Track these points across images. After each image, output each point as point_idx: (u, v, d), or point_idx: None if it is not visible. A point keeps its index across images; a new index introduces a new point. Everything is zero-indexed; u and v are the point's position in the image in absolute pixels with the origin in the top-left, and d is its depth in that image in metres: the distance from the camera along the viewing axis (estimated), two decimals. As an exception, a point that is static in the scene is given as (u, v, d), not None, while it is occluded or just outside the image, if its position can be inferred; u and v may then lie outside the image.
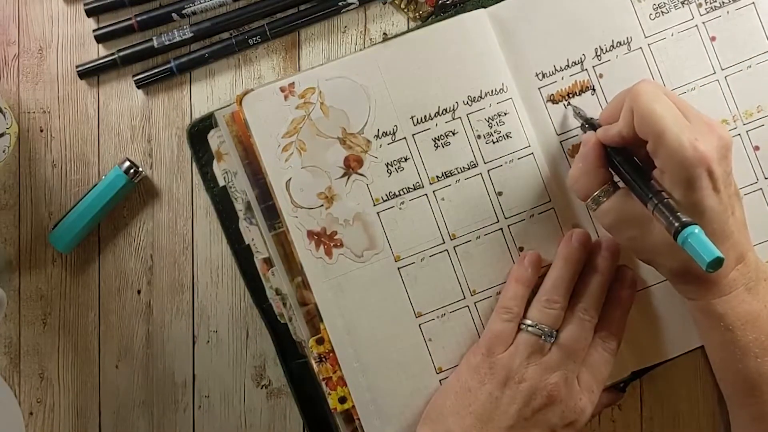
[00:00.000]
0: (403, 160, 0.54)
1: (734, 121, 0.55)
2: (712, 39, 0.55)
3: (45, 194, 0.57)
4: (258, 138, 0.53)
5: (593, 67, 0.55)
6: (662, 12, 0.55)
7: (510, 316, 0.51)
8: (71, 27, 0.57)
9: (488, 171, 0.54)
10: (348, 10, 0.56)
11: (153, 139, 0.57)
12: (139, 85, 0.56)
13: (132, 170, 0.55)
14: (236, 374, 0.57)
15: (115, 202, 0.56)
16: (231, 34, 0.56)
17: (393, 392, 0.53)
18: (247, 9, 0.56)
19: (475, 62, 0.54)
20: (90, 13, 0.56)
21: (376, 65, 0.54)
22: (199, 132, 0.55)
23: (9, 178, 0.57)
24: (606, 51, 0.55)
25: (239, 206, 0.55)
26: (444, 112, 0.54)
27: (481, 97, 0.54)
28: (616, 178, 0.50)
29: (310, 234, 0.53)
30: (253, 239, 0.55)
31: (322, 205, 0.53)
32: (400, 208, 0.54)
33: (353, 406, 0.53)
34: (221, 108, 0.54)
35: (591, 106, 0.54)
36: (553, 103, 0.55)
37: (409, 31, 0.56)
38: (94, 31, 0.56)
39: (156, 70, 0.56)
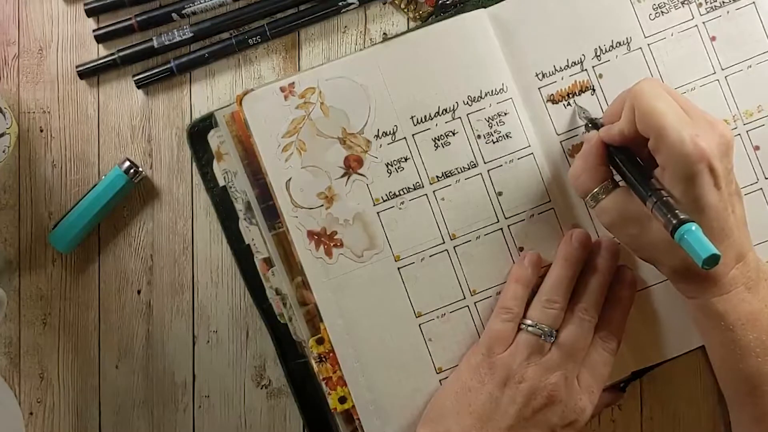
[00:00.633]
0: (403, 160, 0.54)
1: (734, 121, 0.55)
2: (712, 39, 0.55)
3: (45, 194, 0.57)
4: (258, 138, 0.53)
5: (593, 67, 0.55)
6: (662, 12, 0.55)
7: (510, 316, 0.51)
8: (71, 27, 0.57)
9: (488, 171, 0.54)
10: (348, 10, 0.56)
11: (153, 139, 0.57)
12: (139, 85, 0.56)
13: (132, 170, 0.55)
14: (236, 374, 0.57)
15: (115, 202, 0.56)
16: (231, 34, 0.56)
17: (393, 392, 0.53)
18: (247, 9, 0.56)
19: (475, 62, 0.54)
20: (90, 13, 0.56)
21: (376, 65, 0.54)
22: (199, 132, 0.55)
23: (9, 178, 0.57)
24: (606, 51, 0.55)
25: (239, 206, 0.55)
26: (444, 112, 0.54)
27: (481, 97, 0.54)
28: (617, 177, 0.50)
29: (310, 234, 0.53)
30: (253, 239, 0.55)
31: (322, 205, 0.53)
32: (400, 208, 0.54)
33: (353, 406, 0.53)
34: (221, 108, 0.54)
35: (591, 106, 0.54)
36: (553, 103, 0.55)
37: (409, 31, 0.56)
38: (94, 31, 0.56)
39: (156, 70, 0.56)
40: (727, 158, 0.46)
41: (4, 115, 0.54)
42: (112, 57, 0.56)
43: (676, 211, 0.44)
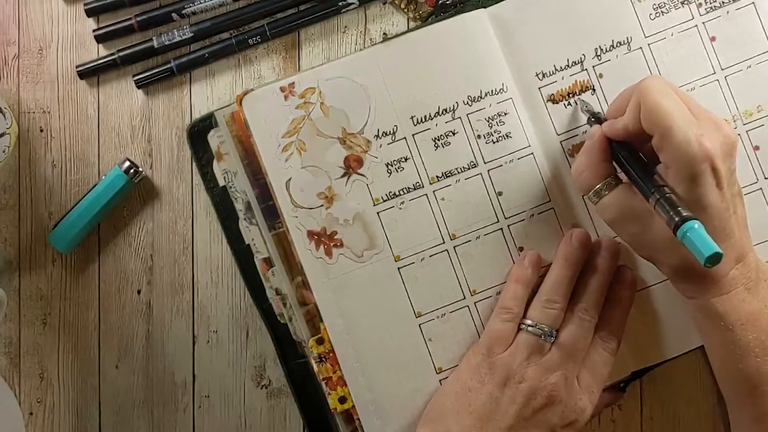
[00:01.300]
0: (403, 160, 0.54)
1: (734, 121, 0.55)
2: (712, 39, 0.55)
3: (45, 194, 0.57)
4: (258, 138, 0.53)
5: (593, 66, 0.55)
6: (662, 12, 0.55)
7: (510, 316, 0.51)
8: (71, 27, 0.57)
9: (488, 171, 0.54)
10: (348, 10, 0.56)
11: (153, 139, 0.57)
12: (139, 85, 0.56)
13: (132, 170, 0.55)
14: (236, 374, 0.57)
15: (115, 202, 0.56)
16: (231, 34, 0.56)
17: (393, 392, 0.53)
18: (247, 9, 0.56)
19: (475, 62, 0.54)
20: (90, 13, 0.56)
21: (376, 65, 0.54)
22: (199, 132, 0.55)
23: (9, 178, 0.57)
24: (606, 51, 0.55)
25: (239, 206, 0.55)
26: (444, 112, 0.54)
27: (481, 97, 0.54)
28: (620, 173, 0.50)
29: (310, 234, 0.53)
30: (253, 239, 0.55)
31: (322, 205, 0.53)
32: (400, 208, 0.54)
33: (353, 406, 0.53)
34: (221, 108, 0.54)
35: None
36: (554, 103, 0.55)
37: (409, 31, 0.56)
38: (94, 31, 0.56)
39: (156, 70, 0.56)
40: (730, 159, 0.46)
41: (4, 115, 0.54)
42: (112, 57, 0.56)
43: (679, 209, 0.44)
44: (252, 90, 0.54)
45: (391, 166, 0.54)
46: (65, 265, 0.57)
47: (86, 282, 0.57)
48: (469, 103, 0.54)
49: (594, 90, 0.55)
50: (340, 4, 0.56)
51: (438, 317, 0.54)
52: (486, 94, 0.54)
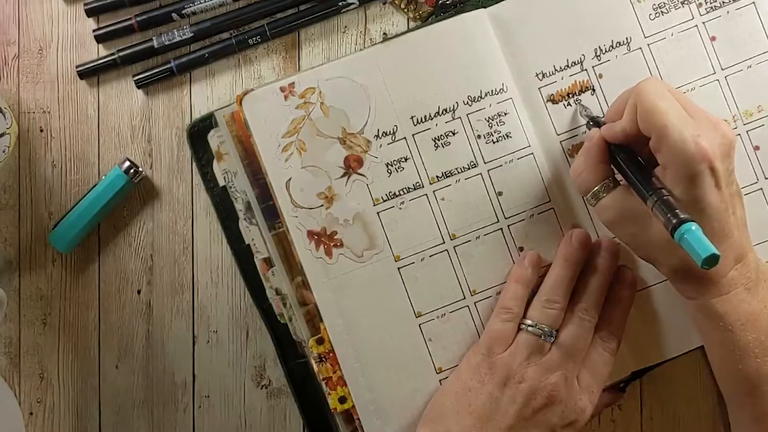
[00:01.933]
0: (403, 160, 0.54)
1: (734, 121, 0.55)
2: (712, 39, 0.55)
3: (45, 194, 0.57)
4: (258, 138, 0.53)
5: (593, 67, 0.55)
6: (662, 12, 0.55)
7: (510, 316, 0.51)
8: (71, 27, 0.57)
9: (488, 171, 0.54)
10: (348, 10, 0.56)
11: (153, 139, 0.57)
12: (139, 85, 0.56)
13: (132, 170, 0.55)
14: (236, 374, 0.57)
15: (115, 202, 0.56)
16: (231, 34, 0.56)
17: (393, 392, 0.53)
18: (247, 9, 0.56)
19: (475, 62, 0.54)
20: (90, 13, 0.56)
21: (376, 65, 0.54)
22: (199, 132, 0.55)
23: (9, 178, 0.57)
24: (606, 51, 0.55)
25: (239, 206, 0.55)
26: (444, 112, 0.54)
27: (481, 97, 0.54)
28: (619, 175, 0.50)
29: (310, 234, 0.53)
30: (253, 239, 0.55)
31: (322, 205, 0.53)
32: (400, 208, 0.54)
33: (353, 406, 0.53)
34: (221, 108, 0.54)
35: (591, 106, 0.54)
36: (553, 103, 0.55)
37: (409, 31, 0.56)
38: (94, 31, 0.56)
39: (156, 70, 0.56)
40: (728, 159, 0.46)
41: (4, 115, 0.54)
42: (112, 57, 0.56)
43: (676, 211, 0.44)
44: (252, 90, 0.54)
45: (391, 166, 0.54)
46: (65, 265, 0.57)
47: (86, 282, 0.57)
48: (469, 103, 0.54)
49: (594, 90, 0.55)
50: (340, 4, 0.56)
51: (438, 317, 0.54)
52: (486, 94, 0.54)
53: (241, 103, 0.53)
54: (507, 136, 0.54)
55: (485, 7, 0.55)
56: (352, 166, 0.54)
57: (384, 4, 0.57)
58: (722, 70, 0.55)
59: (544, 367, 0.50)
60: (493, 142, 0.54)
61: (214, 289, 0.57)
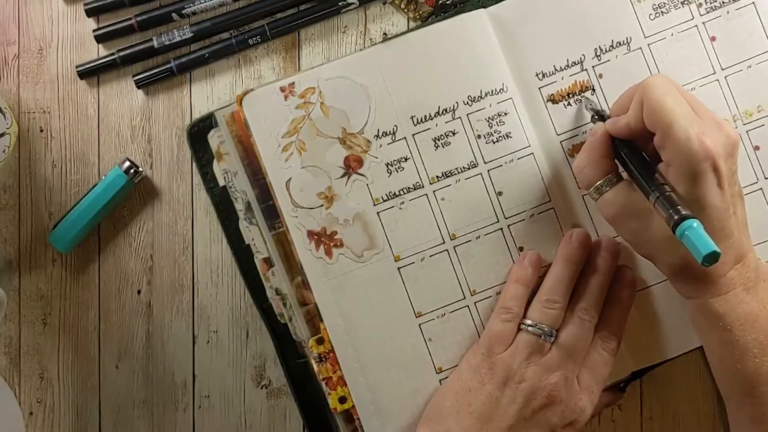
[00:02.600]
0: (403, 160, 0.54)
1: (734, 121, 0.55)
2: (712, 39, 0.55)
3: (45, 194, 0.57)
4: (258, 138, 0.53)
5: (593, 67, 0.55)
6: (662, 12, 0.55)
7: (510, 316, 0.51)
8: (71, 27, 0.57)
9: (488, 171, 0.54)
10: (348, 10, 0.56)
11: (153, 139, 0.57)
12: (139, 85, 0.56)
13: (132, 170, 0.55)
14: (236, 374, 0.57)
15: (115, 202, 0.56)
16: (231, 34, 0.56)
17: (393, 392, 0.53)
18: (247, 9, 0.56)
19: (475, 62, 0.54)
20: (90, 13, 0.56)
21: (376, 65, 0.54)
22: (199, 132, 0.55)
23: (9, 178, 0.57)
24: (606, 51, 0.55)
25: (239, 206, 0.55)
26: (444, 112, 0.54)
27: (481, 97, 0.54)
28: (621, 171, 0.50)
29: (310, 234, 0.53)
30: (253, 239, 0.55)
31: (322, 205, 0.53)
32: (400, 208, 0.54)
33: (353, 406, 0.53)
34: (221, 108, 0.54)
35: (591, 106, 0.55)
36: (554, 103, 0.55)
37: (409, 31, 0.56)
38: (94, 31, 0.56)
39: (156, 70, 0.56)
40: (731, 159, 0.46)
41: (4, 115, 0.54)
42: (112, 57, 0.56)
43: (678, 207, 0.44)
44: (252, 90, 0.54)
45: (391, 166, 0.54)
46: (65, 265, 0.57)
47: (86, 282, 0.57)
48: (469, 103, 0.54)
49: (594, 90, 0.55)
50: (340, 4, 0.56)
51: (438, 317, 0.54)
52: (486, 94, 0.54)
53: (241, 103, 0.53)
54: (507, 136, 0.54)
55: (485, 7, 0.55)
56: (352, 166, 0.54)
57: (384, 4, 0.57)
58: (722, 70, 0.55)
59: (544, 367, 0.50)
60: (493, 142, 0.54)
61: (214, 289, 0.57)
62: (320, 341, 0.53)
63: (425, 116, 0.54)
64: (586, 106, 0.54)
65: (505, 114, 0.54)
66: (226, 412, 0.57)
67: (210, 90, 0.57)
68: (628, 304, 0.52)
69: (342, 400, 0.53)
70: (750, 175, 0.55)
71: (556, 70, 0.55)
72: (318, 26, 0.57)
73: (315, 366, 0.54)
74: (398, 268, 0.54)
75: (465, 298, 0.54)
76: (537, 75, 0.55)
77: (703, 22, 0.55)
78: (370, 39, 0.57)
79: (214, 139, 0.55)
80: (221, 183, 0.55)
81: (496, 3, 0.55)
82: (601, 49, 0.55)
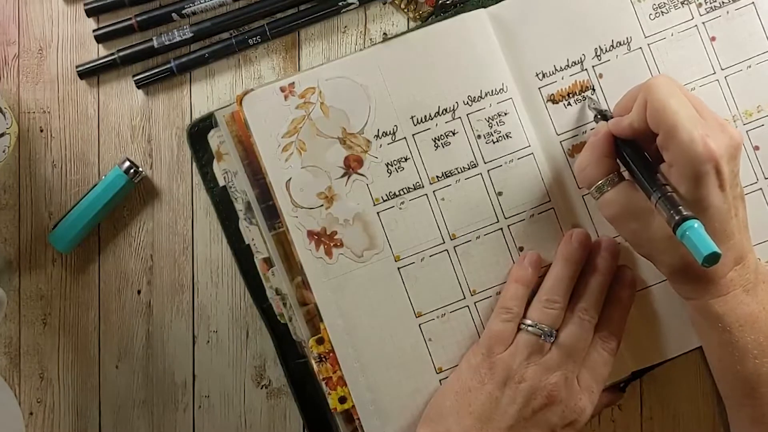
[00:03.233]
0: (403, 160, 0.54)
1: (734, 121, 0.55)
2: (712, 39, 0.55)
3: (45, 194, 0.57)
4: (258, 138, 0.53)
5: (593, 66, 0.55)
6: (662, 12, 0.55)
7: (510, 316, 0.51)
8: (71, 27, 0.57)
9: (488, 171, 0.54)
10: (348, 10, 0.56)
11: (153, 139, 0.57)
12: (139, 85, 0.56)
13: (132, 170, 0.55)
14: (236, 374, 0.57)
15: (115, 202, 0.56)
16: (231, 34, 0.56)
17: (393, 392, 0.53)
18: (247, 9, 0.56)
19: (475, 62, 0.54)
20: (90, 13, 0.56)
21: (376, 65, 0.54)
22: (199, 132, 0.55)
23: (9, 178, 0.57)
24: (606, 51, 0.55)
25: (239, 206, 0.55)
26: (444, 112, 0.54)
27: (481, 97, 0.54)
28: (623, 171, 0.50)
29: (310, 234, 0.53)
30: (253, 239, 0.55)
31: (322, 205, 0.53)
32: (400, 208, 0.54)
33: (353, 406, 0.53)
34: (221, 108, 0.54)
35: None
36: (554, 103, 0.55)
37: (409, 31, 0.56)
38: (94, 31, 0.56)
39: (156, 70, 0.56)
40: (734, 161, 0.46)
41: (4, 115, 0.54)
42: (112, 57, 0.56)
43: (680, 207, 0.44)
44: (252, 90, 0.54)
45: (391, 166, 0.54)
46: (65, 265, 0.57)
47: (86, 282, 0.57)
48: (469, 103, 0.54)
49: (594, 90, 0.55)
50: (340, 4, 0.56)
51: (438, 317, 0.54)
52: (486, 94, 0.54)
53: (241, 103, 0.53)
54: (507, 136, 0.54)
55: (485, 7, 0.55)
56: (352, 166, 0.54)
57: (384, 4, 0.57)
58: (722, 70, 0.55)
59: (544, 367, 0.50)
60: (493, 142, 0.54)
61: (214, 289, 0.57)
62: (320, 341, 0.53)
63: (425, 116, 0.54)
64: (589, 106, 0.54)
65: (505, 114, 0.54)
66: (226, 412, 0.57)
67: (210, 90, 0.57)
68: (628, 304, 0.52)
69: (342, 400, 0.53)
70: (750, 176, 0.55)
71: (556, 70, 0.55)
72: (318, 26, 0.57)
73: (315, 366, 0.54)
74: (398, 268, 0.54)
75: (465, 298, 0.54)
76: (537, 75, 0.55)
77: (703, 22, 0.55)
78: (370, 39, 0.57)
79: (214, 139, 0.55)
80: (221, 183, 0.55)
81: (496, 3, 0.55)
82: (601, 49, 0.55)
